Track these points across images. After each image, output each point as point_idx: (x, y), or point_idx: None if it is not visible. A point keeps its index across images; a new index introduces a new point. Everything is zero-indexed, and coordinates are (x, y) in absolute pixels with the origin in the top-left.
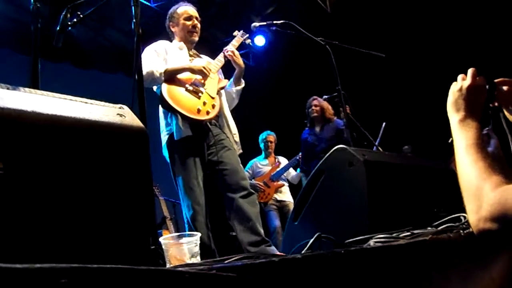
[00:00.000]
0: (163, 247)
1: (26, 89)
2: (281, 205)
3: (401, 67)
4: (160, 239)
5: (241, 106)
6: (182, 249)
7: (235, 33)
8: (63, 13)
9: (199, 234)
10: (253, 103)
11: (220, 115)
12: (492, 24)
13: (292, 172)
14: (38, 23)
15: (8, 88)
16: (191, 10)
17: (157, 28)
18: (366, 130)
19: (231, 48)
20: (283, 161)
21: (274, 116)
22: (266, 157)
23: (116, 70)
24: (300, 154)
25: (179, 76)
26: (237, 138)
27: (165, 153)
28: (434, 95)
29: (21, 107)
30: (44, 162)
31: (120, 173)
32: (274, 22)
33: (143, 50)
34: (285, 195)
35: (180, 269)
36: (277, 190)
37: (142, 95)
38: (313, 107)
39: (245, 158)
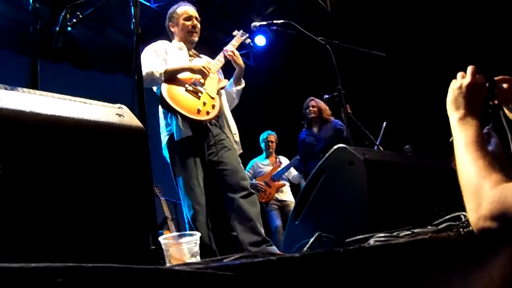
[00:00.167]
0: (163, 246)
1: (25, 89)
2: (283, 205)
3: (401, 67)
4: (160, 238)
5: (241, 106)
6: (181, 248)
7: (235, 32)
8: (63, 13)
9: (198, 234)
10: (253, 103)
11: (220, 115)
12: (491, 23)
13: (293, 172)
14: (38, 23)
15: (6, 89)
16: (190, 10)
17: (157, 28)
18: (367, 129)
19: (231, 48)
20: (284, 161)
21: (274, 116)
22: (267, 157)
23: (116, 71)
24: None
25: (179, 76)
26: (237, 138)
27: (165, 153)
28: (434, 95)
29: (20, 107)
30: (43, 162)
31: (118, 173)
32: (275, 21)
33: (142, 50)
34: (286, 195)
35: (176, 268)
36: (278, 189)
37: (142, 95)
38: (311, 108)
39: (246, 158)
